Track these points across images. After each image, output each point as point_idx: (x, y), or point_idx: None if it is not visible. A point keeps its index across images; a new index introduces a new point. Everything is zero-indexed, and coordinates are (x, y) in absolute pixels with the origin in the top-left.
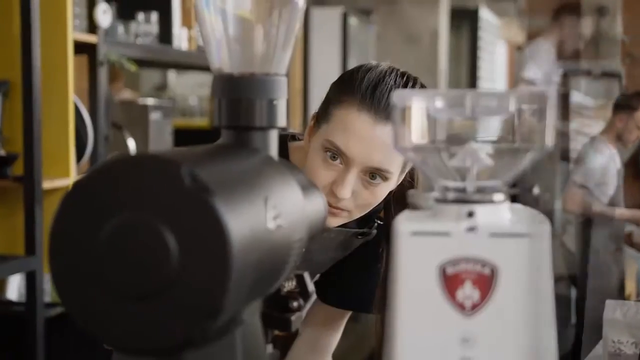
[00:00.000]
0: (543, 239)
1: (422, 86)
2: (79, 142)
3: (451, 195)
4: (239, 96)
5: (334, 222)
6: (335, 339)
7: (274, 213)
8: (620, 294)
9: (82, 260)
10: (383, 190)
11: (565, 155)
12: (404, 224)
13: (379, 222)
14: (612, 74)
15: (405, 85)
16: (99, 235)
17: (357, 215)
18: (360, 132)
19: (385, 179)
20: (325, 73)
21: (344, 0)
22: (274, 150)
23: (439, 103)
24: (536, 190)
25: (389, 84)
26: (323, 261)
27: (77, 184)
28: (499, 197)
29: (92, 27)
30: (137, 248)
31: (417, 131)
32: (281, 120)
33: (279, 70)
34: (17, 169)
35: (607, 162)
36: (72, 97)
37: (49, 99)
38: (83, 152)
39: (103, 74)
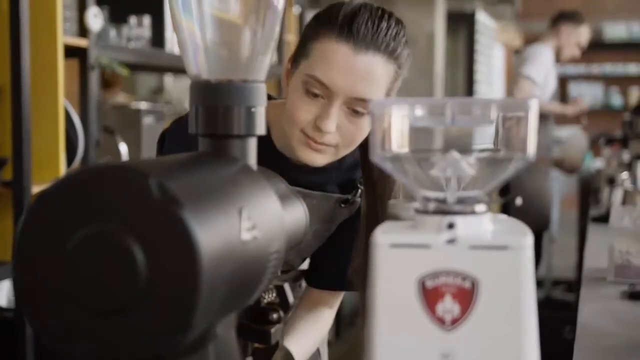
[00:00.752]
0: (525, 252)
1: (398, 22)
2: (70, 147)
3: (432, 205)
4: (217, 103)
5: (320, 159)
6: (331, 316)
7: (249, 224)
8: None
9: (47, 274)
10: (367, 123)
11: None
12: (383, 235)
13: (360, 187)
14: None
15: (381, 17)
16: (65, 248)
17: (343, 152)
18: (341, 63)
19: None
20: None
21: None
22: (252, 158)
23: (418, 111)
24: (519, 201)
25: (365, 15)
26: (308, 241)
27: (42, 195)
28: (480, 207)
29: (83, 31)
30: (104, 261)
31: (396, 140)
32: (260, 128)
33: (258, 77)
34: (7, 173)
35: (550, 64)
36: (62, 101)
37: (39, 103)
38: (74, 157)
39: (94, 78)
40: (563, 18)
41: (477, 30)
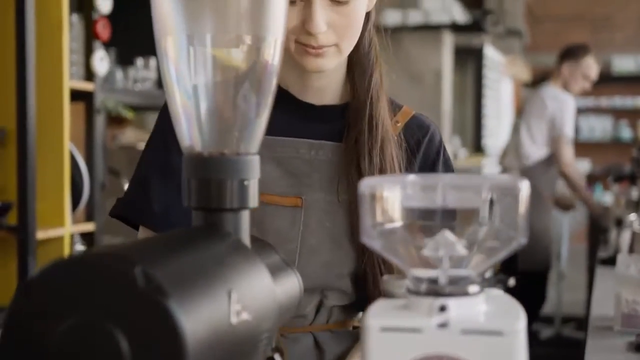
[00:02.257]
0: (518, 336)
1: None
2: (75, 190)
3: (423, 286)
4: (209, 177)
5: (327, 62)
6: None
7: (239, 307)
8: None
9: None
10: (357, 7)
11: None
12: (374, 318)
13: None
14: (514, 31)
15: None
16: (51, 338)
17: (347, 47)
18: None
19: None
20: None
21: None
22: (245, 231)
23: (409, 191)
24: (512, 282)
25: None
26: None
27: (28, 283)
28: (473, 288)
29: (90, 75)
30: (89, 352)
31: (386, 219)
32: (253, 201)
33: (251, 149)
34: (11, 218)
35: (574, 109)
36: (67, 145)
37: (44, 147)
38: (79, 201)
39: (100, 121)
40: (564, 56)
41: (485, 65)
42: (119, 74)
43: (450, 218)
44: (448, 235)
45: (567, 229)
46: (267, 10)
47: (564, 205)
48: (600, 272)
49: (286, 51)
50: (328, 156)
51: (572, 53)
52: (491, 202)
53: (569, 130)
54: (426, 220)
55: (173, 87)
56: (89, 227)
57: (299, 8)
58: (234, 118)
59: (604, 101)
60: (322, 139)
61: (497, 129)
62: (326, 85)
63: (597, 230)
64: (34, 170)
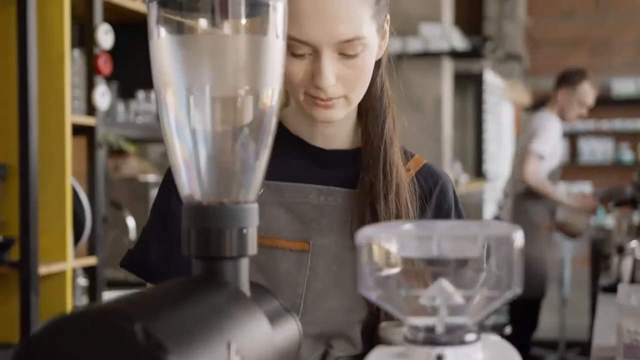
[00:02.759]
0: None
1: None
2: (77, 225)
3: (420, 335)
4: (209, 226)
5: (335, 113)
6: None
7: (238, 358)
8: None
9: None
10: (367, 59)
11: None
12: None
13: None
14: (514, 56)
15: None
16: None
17: (356, 98)
18: (309, 13)
19: (362, 46)
20: None
21: None
22: (244, 279)
23: (406, 243)
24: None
25: None
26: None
27: (28, 340)
28: (470, 337)
29: (91, 109)
30: None
31: (383, 269)
32: (252, 249)
33: (249, 197)
34: (14, 253)
35: (558, 134)
36: (69, 180)
37: (46, 183)
38: (81, 235)
39: (101, 155)
40: (560, 81)
41: (485, 90)
42: (120, 107)
43: (446, 267)
44: (445, 284)
45: (569, 254)
46: (265, 62)
47: (569, 233)
48: (602, 299)
49: (297, 102)
50: (338, 201)
51: (568, 79)
52: (486, 251)
53: (537, 145)
54: (423, 269)
55: (172, 137)
56: (91, 261)
57: (308, 61)
58: (232, 167)
59: (605, 124)
60: (332, 185)
61: (498, 153)
62: (336, 131)
63: (599, 255)
64: (36, 206)
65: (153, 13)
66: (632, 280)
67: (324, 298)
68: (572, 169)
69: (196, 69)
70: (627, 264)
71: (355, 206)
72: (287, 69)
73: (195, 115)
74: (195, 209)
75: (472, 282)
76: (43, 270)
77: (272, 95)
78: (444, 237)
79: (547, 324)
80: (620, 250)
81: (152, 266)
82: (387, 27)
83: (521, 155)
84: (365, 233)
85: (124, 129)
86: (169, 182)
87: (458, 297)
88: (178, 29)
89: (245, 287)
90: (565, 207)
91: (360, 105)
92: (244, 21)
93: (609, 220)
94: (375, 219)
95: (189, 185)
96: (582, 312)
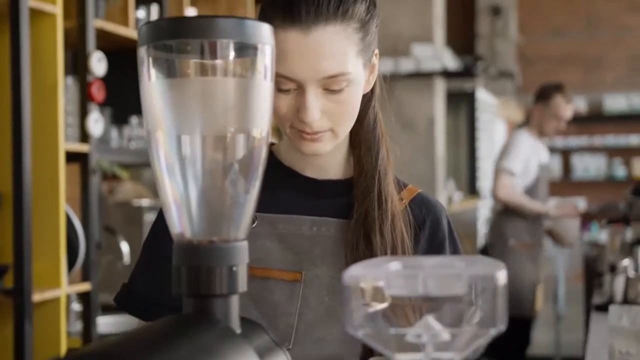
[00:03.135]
0: None
1: None
2: (71, 251)
3: None
4: (199, 264)
5: (322, 146)
6: None
7: None
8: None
9: None
10: (352, 94)
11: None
12: None
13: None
14: (507, 73)
15: None
16: None
17: (343, 131)
18: (294, 50)
19: (347, 82)
20: None
21: None
22: (234, 316)
23: (392, 281)
24: None
25: None
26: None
27: None
28: None
29: (85, 136)
30: None
31: (370, 307)
32: (242, 286)
33: (239, 235)
34: (7, 281)
35: (529, 152)
36: (63, 207)
37: (40, 210)
38: (75, 261)
39: (95, 182)
40: (536, 97)
41: (477, 108)
42: (114, 133)
43: (433, 304)
44: (431, 320)
45: (562, 270)
46: (253, 104)
47: (560, 241)
48: (595, 318)
49: (285, 135)
50: (330, 232)
51: (541, 94)
52: (471, 290)
53: (506, 163)
54: (409, 307)
55: (163, 177)
56: (85, 286)
57: (293, 96)
58: (222, 206)
59: (598, 140)
60: (325, 215)
61: (492, 170)
62: (328, 162)
63: (592, 271)
64: (30, 233)
65: (144, 56)
66: (625, 299)
67: (315, 328)
68: (565, 184)
69: (186, 111)
70: (619, 283)
71: (350, 237)
72: (274, 103)
73: (186, 156)
74: (185, 248)
75: (459, 318)
76: (37, 297)
77: (260, 134)
78: (430, 275)
79: (542, 341)
80: (613, 269)
81: (144, 304)
82: (375, 60)
83: (494, 173)
84: (353, 272)
85: (117, 154)
86: (161, 223)
87: (444, 334)
88: (168, 72)
89: (235, 324)
90: (547, 217)
91: (352, 137)
92: (232, 64)
93: (602, 235)
94: (370, 249)
95: (179, 223)
96: (577, 328)
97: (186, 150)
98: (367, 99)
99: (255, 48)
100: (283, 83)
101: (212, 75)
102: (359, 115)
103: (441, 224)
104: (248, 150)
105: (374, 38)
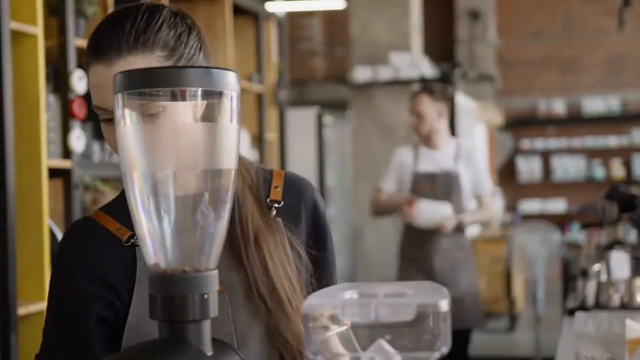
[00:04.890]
0: None
1: (146, 10)
2: None
3: None
4: (173, 293)
5: None
6: None
7: None
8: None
9: None
10: (167, 119)
11: None
12: None
13: (275, 204)
14: (486, 77)
15: (123, 18)
16: None
17: None
18: (102, 81)
19: (162, 107)
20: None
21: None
22: (206, 339)
23: (347, 309)
24: None
25: (105, 26)
26: None
27: None
28: None
29: (67, 152)
30: None
31: (326, 334)
32: (213, 311)
33: (210, 265)
34: None
35: (401, 164)
36: (46, 222)
37: (24, 225)
38: None
39: (77, 197)
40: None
41: (457, 113)
42: (96, 148)
43: (384, 329)
44: (384, 344)
45: (542, 271)
46: (220, 144)
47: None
48: (567, 322)
49: None
50: None
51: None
52: (419, 316)
53: (380, 183)
54: (362, 332)
55: (138, 212)
56: None
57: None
58: (193, 238)
59: (576, 142)
60: None
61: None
62: None
63: (569, 273)
64: (15, 248)
65: (119, 103)
66: (597, 304)
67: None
68: (545, 186)
69: (159, 152)
70: (591, 287)
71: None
72: (105, 136)
73: (159, 192)
74: (160, 277)
75: (408, 342)
76: (22, 310)
77: (228, 169)
78: (381, 304)
79: (523, 341)
80: (584, 274)
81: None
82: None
83: None
84: (310, 301)
85: (99, 169)
86: (70, 256)
87: (396, 357)
88: (142, 118)
89: (207, 347)
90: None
91: None
92: (200, 109)
93: (581, 236)
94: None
95: (154, 254)
96: (557, 329)
97: (159, 187)
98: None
99: (220, 94)
100: (102, 113)
101: (182, 119)
102: None
103: (317, 202)
104: (217, 184)
105: (196, 61)
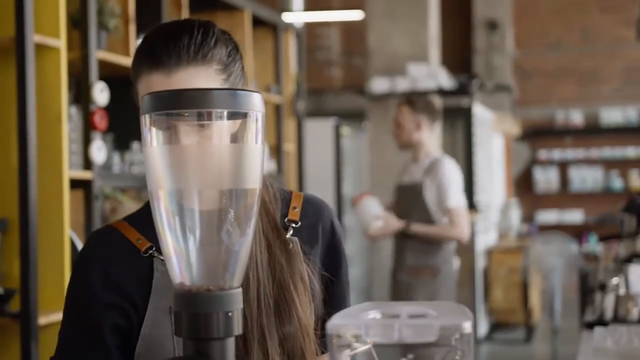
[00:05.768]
0: None
1: (201, 25)
2: None
3: None
4: (198, 311)
5: None
6: None
7: None
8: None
9: None
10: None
11: None
12: None
13: (293, 224)
14: (504, 87)
15: (181, 29)
16: None
17: None
18: (159, 88)
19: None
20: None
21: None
22: (230, 357)
23: (371, 330)
24: None
25: (162, 35)
26: None
27: None
28: None
29: (88, 163)
30: None
31: (350, 352)
32: (237, 329)
33: (234, 284)
34: (14, 305)
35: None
36: (67, 233)
37: (45, 236)
38: None
39: (98, 207)
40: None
41: (474, 123)
42: (116, 159)
43: (407, 349)
44: None
45: (559, 283)
46: (246, 165)
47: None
48: (586, 336)
49: None
50: None
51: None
52: (442, 338)
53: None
54: (385, 350)
55: (164, 231)
56: None
57: None
58: (218, 257)
59: (594, 152)
60: None
61: (489, 184)
62: None
63: (587, 286)
64: (36, 258)
65: (146, 123)
66: (615, 317)
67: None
68: (563, 197)
69: (185, 172)
70: (609, 301)
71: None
72: None
73: (185, 211)
74: (185, 295)
75: None
76: (43, 320)
77: (253, 189)
78: (405, 324)
79: (540, 353)
80: (603, 287)
81: None
82: None
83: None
84: (334, 322)
85: (120, 179)
86: (90, 262)
87: None
88: (169, 139)
89: None
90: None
91: None
92: (226, 130)
93: (599, 247)
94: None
95: (179, 273)
96: (574, 341)
97: (185, 207)
98: None
99: (245, 115)
100: None
101: (208, 140)
102: None
103: (335, 226)
104: (242, 204)
105: (239, 80)
